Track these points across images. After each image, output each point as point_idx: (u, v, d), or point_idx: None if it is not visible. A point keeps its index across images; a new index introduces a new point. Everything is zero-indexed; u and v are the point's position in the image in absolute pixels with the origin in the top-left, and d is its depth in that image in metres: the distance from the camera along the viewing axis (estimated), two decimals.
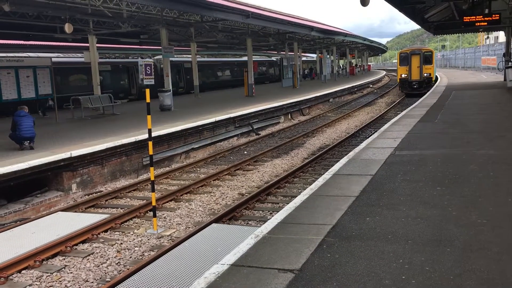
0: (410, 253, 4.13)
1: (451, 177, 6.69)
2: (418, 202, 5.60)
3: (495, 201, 5.53)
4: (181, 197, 10.06)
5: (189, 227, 8.18)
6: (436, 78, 36.48)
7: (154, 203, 8.04)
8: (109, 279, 6.26)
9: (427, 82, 29.79)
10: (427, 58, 29.94)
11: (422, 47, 35.51)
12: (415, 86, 29.81)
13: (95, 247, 7.45)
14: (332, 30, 39.05)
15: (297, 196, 6.43)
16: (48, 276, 6.49)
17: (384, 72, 77.13)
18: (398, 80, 31.67)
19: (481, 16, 21.72)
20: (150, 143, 8.11)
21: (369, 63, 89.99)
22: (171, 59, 21.52)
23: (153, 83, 7.94)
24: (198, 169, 12.93)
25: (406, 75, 30.12)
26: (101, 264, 6.77)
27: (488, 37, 60.12)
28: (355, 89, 39.04)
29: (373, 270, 3.84)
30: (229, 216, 8.44)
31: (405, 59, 30.27)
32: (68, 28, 17.29)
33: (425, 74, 29.81)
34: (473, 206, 5.36)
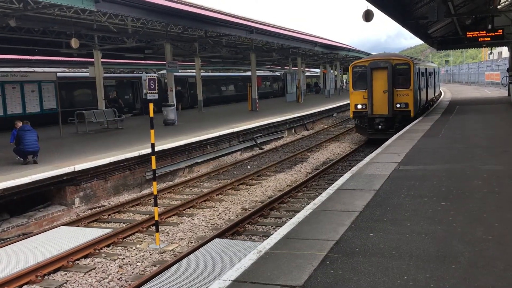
0: (414, 269, 4.08)
1: (455, 192, 6.64)
2: (422, 218, 5.54)
3: (500, 216, 5.47)
4: (184, 211, 10.02)
5: (191, 242, 8.13)
6: (440, 94, 36.08)
7: (156, 218, 8.01)
8: None
9: (402, 119, 16.98)
10: (401, 76, 16.94)
11: (390, 56, 18.32)
12: (380, 127, 17.13)
13: (97, 262, 7.41)
14: (335, 45, 39.32)
15: (300, 211, 6.38)
16: None
17: None
18: (351, 115, 18.57)
19: (484, 32, 21.89)
20: (153, 158, 8.11)
21: None
22: (175, 73, 21.63)
23: (156, 97, 7.97)
24: (201, 183, 12.90)
25: (363, 107, 17.45)
26: (103, 280, 6.72)
27: (491, 53, 60.39)
28: None
29: (377, 286, 3.78)
30: (232, 231, 8.40)
31: (361, 78, 17.41)
32: (74, 43, 17.48)
33: (398, 105, 16.86)
34: (478, 222, 5.31)
